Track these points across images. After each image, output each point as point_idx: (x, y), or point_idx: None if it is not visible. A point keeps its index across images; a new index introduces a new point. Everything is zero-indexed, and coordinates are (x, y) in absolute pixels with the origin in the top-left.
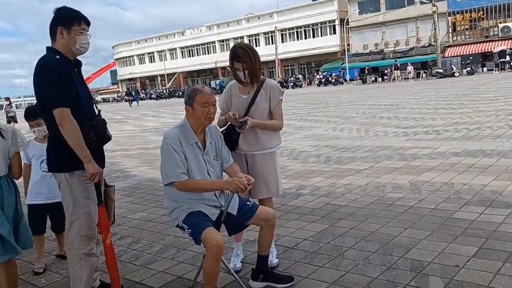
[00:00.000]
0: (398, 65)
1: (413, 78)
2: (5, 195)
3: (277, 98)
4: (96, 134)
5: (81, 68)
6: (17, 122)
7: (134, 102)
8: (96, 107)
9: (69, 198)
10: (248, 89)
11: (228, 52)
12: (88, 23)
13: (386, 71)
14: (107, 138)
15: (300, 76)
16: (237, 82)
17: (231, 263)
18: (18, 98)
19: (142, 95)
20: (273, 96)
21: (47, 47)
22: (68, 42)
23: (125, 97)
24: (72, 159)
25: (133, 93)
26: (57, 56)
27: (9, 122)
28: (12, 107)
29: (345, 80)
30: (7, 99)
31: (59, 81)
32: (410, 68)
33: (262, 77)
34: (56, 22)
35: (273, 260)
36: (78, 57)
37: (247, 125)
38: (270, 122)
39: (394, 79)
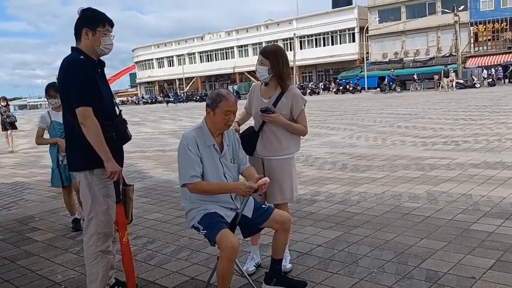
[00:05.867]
0: (450, 71)
1: (451, 87)
2: None
3: (300, 107)
4: (117, 133)
5: (104, 69)
6: (16, 129)
7: (170, 104)
8: (117, 107)
9: (88, 195)
10: (271, 93)
11: (246, 58)
12: (112, 25)
13: (435, 78)
14: (127, 138)
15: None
16: (261, 82)
17: (245, 265)
18: (38, 98)
19: (165, 98)
20: (295, 106)
21: (72, 47)
22: (93, 43)
23: (164, 98)
24: (92, 158)
25: (170, 94)
26: (81, 56)
27: (5, 128)
28: (10, 109)
29: (363, 88)
30: (4, 99)
31: (82, 80)
32: (453, 76)
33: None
34: (81, 23)
35: (286, 264)
36: (101, 58)
37: (273, 111)
38: (296, 125)
39: (442, 87)
